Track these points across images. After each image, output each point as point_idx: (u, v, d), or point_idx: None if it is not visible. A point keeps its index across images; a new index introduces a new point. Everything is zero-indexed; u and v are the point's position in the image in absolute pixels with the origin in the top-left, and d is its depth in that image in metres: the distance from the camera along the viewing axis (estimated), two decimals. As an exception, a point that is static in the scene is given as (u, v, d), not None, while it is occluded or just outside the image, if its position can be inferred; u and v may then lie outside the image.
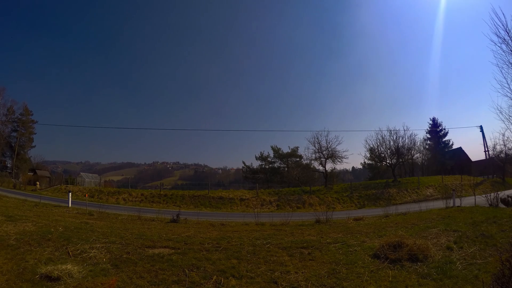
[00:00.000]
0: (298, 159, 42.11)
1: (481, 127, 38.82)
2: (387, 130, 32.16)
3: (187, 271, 5.11)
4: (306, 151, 52.30)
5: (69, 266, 4.81)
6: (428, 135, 48.97)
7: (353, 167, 77.25)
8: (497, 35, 7.80)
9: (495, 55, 8.20)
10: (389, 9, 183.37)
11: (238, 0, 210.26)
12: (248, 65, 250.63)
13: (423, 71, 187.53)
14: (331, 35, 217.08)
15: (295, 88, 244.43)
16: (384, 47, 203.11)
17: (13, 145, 41.09)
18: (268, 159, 43.15)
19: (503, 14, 7.63)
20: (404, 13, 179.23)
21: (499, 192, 13.40)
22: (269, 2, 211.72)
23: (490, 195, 12.85)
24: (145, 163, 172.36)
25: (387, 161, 33.00)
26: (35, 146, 46.54)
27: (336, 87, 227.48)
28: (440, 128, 48.45)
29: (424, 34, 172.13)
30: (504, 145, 31.99)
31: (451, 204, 14.44)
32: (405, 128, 32.73)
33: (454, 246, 6.31)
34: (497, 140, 48.94)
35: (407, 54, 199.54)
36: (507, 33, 7.63)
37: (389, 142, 31.85)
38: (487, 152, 38.18)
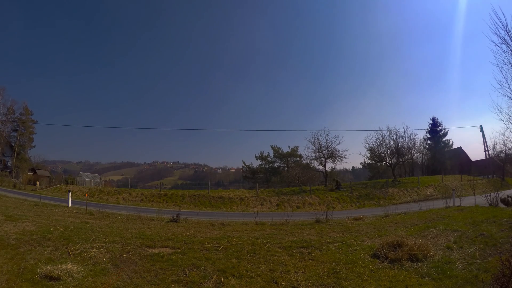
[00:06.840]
0: (298, 158, 42.11)
1: (481, 127, 38.89)
2: (387, 130, 32.11)
3: (187, 270, 5.11)
4: (306, 151, 52.61)
5: (69, 266, 4.82)
6: (428, 135, 48.92)
7: (353, 167, 77.24)
8: (497, 35, 7.76)
9: (495, 55, 8.14)
10: (399, 10, 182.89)
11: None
12: (249, 64, 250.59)
13: (426, 72, 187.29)
14: (335, 36, 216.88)
15: (296, 88, 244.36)
16: (388, 48, 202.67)
17: (13, 144, 41.06)
18: (268, 158, 43.23)
19: (503, 14, 7.61)
20: (412, 15, 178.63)
21: (499, 192, 13.37)
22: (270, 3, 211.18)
23: (490, 195, 12.84)
24: (145, 162, 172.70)
25: (387, 161, 32.96)
26: (35, 146, 46.61)
27: (338, 88, 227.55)
28: (440, 128, 48.44)
29: (436, 36, 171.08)
30: (504, 145, 31.92)
31: (451, 204, 14.44)
32: (405, 127, 32.72)
33: (454, 246, 6.30)
34: (497, 140, 49.08)
35: (411, 54, 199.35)
36: (507, 33, 7.59)
37: (389, 142, 31.81)
38: (487, 152, 38.22)
